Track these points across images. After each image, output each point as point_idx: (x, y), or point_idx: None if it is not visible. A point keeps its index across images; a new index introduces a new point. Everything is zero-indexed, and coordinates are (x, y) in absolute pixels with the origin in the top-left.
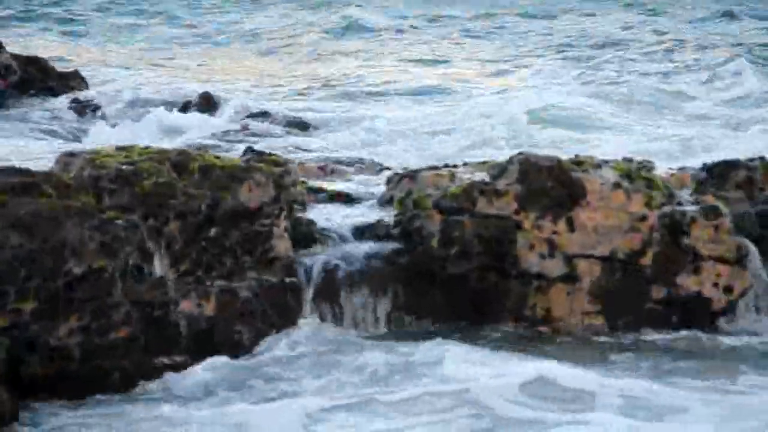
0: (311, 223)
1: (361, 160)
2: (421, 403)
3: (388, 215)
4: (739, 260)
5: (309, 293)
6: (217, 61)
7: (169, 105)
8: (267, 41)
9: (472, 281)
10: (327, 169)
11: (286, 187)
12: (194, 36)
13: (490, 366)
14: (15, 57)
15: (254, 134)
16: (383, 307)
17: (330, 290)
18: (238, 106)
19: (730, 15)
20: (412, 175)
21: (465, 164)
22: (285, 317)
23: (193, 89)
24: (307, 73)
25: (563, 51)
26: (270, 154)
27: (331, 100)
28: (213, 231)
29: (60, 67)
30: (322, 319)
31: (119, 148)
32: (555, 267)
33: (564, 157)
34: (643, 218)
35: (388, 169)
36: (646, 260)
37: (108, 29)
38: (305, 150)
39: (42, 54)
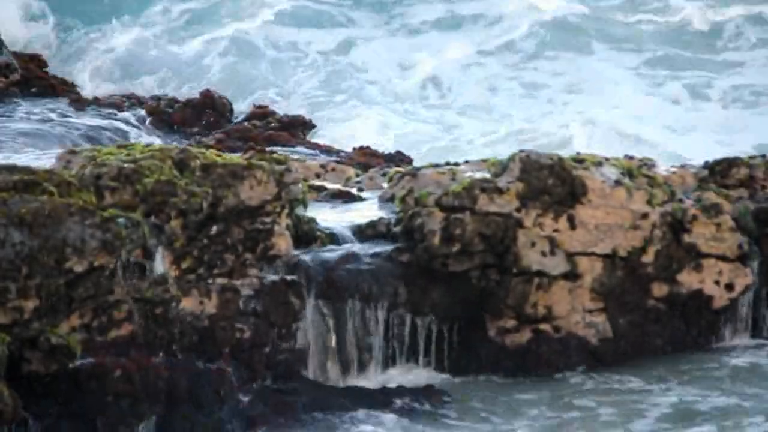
0: (312, 221)
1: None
2: None
3: (390, 213)
4: (741, 258)
5: (311, 292)
6: None
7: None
8: None
9: (473, 279)
10: (328, 168)
11: (288, 184)
12: None
13: None
14: (16, 55)
15: None
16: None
17: (331, 289)
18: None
19: None
20: (413, 173)
21: (466, 162)
22: (286, 315)
23: None
24: None
25: None
26: (271, 152)
27: None
28: (214, 228)
29: None
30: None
31: (120, 146)
32: (556, 264)
33: (565, 155)
34: (645, 216)
35: (389, 167)
36: (648, 258)
37: None
38: None
39: None
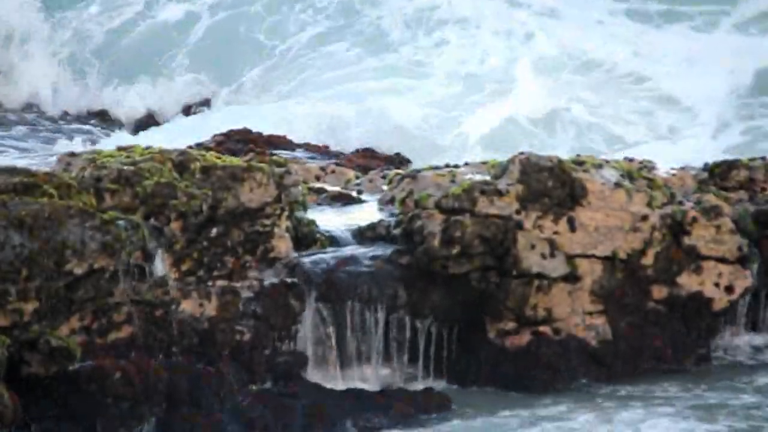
0: (312, 223)
1: None
2: None
3: (389, 215)
4: (740, 260)
5: (311, 294)
6: None
7: None
8: None
9: (473, 281)
10: (328, 170)
11: (288, 187)
12: None
13: None
14: None
15: None
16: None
17: (331, 291)
18: None
19: None
20: (413, 175)
21: (466, 164)
22: (286, 317)
23: None
24: None
25: None
26: (272, 155)
27: None
28: (214, 231)
29: None
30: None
31: (120, 149)
32: (556, 267)
33: (565, 156)
34: (645, 218)
35: (389, 169)
36: (648, 260)
37: None
38: None
39: None
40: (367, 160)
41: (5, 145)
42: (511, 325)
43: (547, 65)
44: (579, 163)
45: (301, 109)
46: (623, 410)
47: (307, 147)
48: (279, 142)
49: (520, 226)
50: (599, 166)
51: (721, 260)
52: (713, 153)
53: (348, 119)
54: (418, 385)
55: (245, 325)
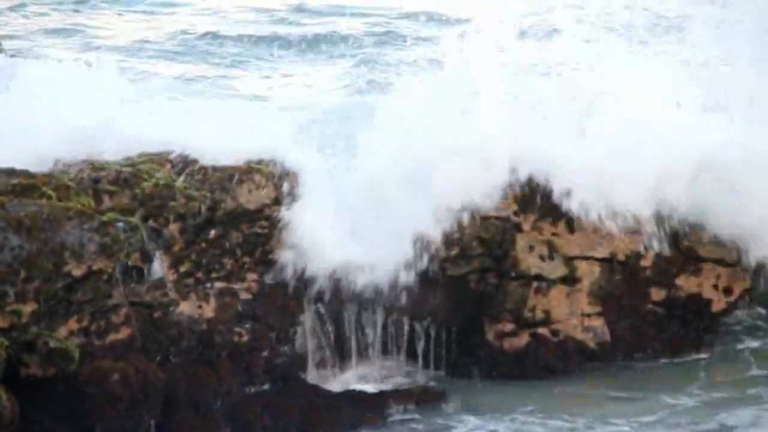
0: None
1: None
2: None
3: None
4: (739, 262)
5: (310, 296)
6: None
7: None
8: None
9: (471, 282)
10: None
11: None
12: None
13: None
14: None
15: None
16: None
17: (329, 293)
18: None
19: None
20: None
21: None
22: (285, 319)
23: None
24: None
25: None
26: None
27: None
28: (213, 232)
29: None
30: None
31: None
32: (555, 269)
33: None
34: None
35: None
36: (646, 262)
37: None
38: None
39: None
40: None
41: None
42: (509, 327)
43: None
44: None
45: None
46: (621, 411)
47: None
48: None
49: (518, 227)
50: None
51: (720, 262)
52: None
53: None
54: (417, 386)
55: (244, 327)
